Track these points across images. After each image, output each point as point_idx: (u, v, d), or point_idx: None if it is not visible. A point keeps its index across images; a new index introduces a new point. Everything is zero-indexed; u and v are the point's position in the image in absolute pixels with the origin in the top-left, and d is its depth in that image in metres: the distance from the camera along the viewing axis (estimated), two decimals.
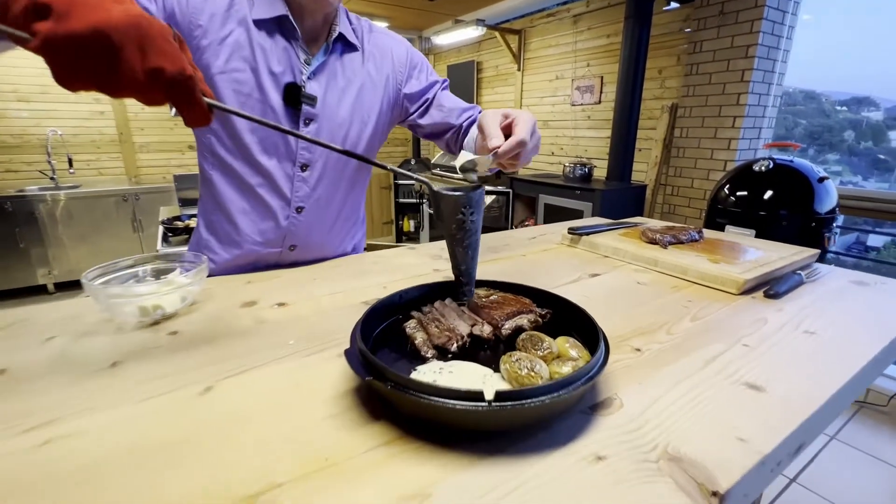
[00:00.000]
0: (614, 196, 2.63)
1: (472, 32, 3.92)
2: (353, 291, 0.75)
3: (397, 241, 4.61)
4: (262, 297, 0.72)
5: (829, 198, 1.81)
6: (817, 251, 0.92)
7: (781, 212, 1.84)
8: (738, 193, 1.96)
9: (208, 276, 0.88)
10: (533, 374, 0.41)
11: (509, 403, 0.36)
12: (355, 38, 0.86)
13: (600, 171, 3.17)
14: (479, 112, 0.93)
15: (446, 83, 1.00)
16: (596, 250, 0.99)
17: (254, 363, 0.52)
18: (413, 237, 4.71)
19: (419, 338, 0.51)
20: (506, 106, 4.14)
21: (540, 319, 0.55)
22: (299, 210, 0.87)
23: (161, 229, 2.34)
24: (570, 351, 0.46)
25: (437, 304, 0.59)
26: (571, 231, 1.04)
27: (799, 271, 0.82)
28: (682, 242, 0.96)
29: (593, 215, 2.56)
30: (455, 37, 4.22)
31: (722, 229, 1.95)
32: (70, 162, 3.35)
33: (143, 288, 0.64)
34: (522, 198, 3.43)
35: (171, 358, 0.53)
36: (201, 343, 0.57)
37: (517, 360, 0.43)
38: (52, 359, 0.53)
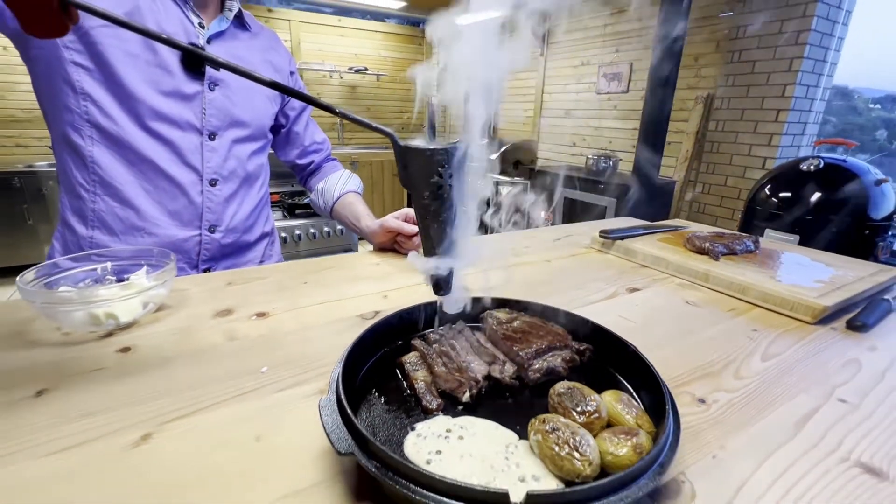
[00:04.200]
0: (641, 193, 2.46)
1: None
2: (347, 301, 0.63)
3: None
4: (241, 304, 0.61)
5: (885, 203, 1.63)
6: None
7: (829, 216, 1.67)
8: (781, 194, 1.79)
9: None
10: (577, 456, 0.29)
11: None
12: (250, 21, 0.83)
13: (625, 166, 2.99)
14: (329, 152, 1.03)
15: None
16: (632, 258, 0.86)
17: (211, 398, 0.41)
18: None
19: (421, 380, 0.39)
20: (527, 92, 3.96)
21: (577, 358, 0.43)
22: (213, 183, 0.77)
23: None
24: (625, 414, 0.34)
25: (446, 329, 0.47)
26: (604, 234, 0.90)
27: (885, 296, 0.68)
28: (735, 253, 0.82)
29: (617, 212, 2.40)
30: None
31: (761, 233, 1.79)
32: None
33: (102, 291, 0.54)
34: (540, 190, 3.27)
35: (111, 387, 0.43)
36: (154, 366, 0.46)
37: (553, 429, 0.31)
38: None
